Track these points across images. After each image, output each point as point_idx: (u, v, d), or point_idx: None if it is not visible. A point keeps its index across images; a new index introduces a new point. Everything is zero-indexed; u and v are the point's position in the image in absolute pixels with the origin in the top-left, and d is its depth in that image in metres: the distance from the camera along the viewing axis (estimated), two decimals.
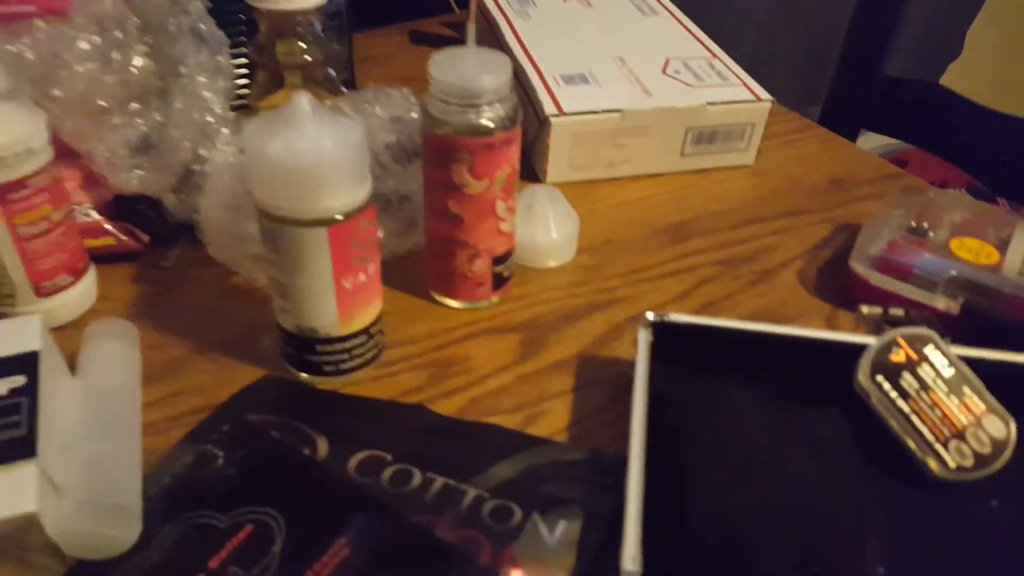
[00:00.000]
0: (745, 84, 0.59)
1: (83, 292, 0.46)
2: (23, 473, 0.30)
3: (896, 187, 0.60)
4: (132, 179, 0.48)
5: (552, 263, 0.51)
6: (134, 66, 0.48)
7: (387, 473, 0.34)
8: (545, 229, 0.50)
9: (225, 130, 0.46)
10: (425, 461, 0.35)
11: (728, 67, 0.62)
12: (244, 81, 0.54)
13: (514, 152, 0.42)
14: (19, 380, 0.33)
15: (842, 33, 0.98)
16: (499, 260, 0.45)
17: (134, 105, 0.48)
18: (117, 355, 0.41)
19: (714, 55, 0.63)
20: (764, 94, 0.58)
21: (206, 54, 0.48)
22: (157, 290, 0.48)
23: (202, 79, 0.47)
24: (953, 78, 1.31)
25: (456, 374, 0.42)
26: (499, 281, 0.46)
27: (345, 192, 0.36)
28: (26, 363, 0.34)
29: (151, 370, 0.42)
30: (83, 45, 0.47)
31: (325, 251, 0.36)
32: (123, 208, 0.49)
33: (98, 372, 0.39)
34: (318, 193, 0.35)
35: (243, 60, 0.53)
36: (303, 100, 0.35)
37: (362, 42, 0.63)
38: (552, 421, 0.39)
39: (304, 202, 0.35)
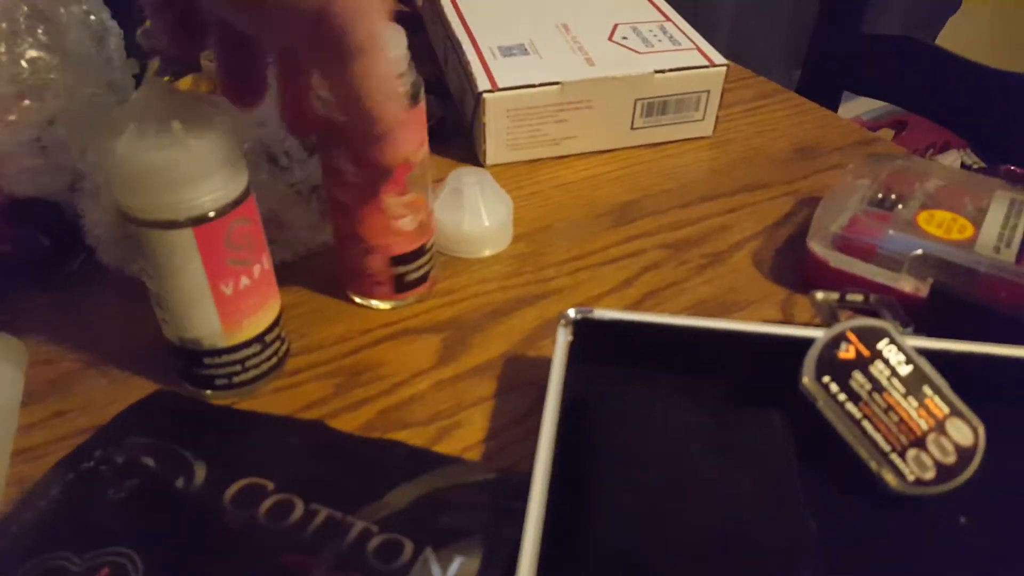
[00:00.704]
0: (699, 48, 0.54)
1: None
2: None
3: (862, 154, 0.55)
4: (26, 182, 0.44)
5: (486, 252, 0.46)
6: (24, 60, 0.44)
7: (266, 504, 0.31)
8: (474, 216, 0.45)
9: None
10: (312, 489, 0.31)
11: (682, 30, 0.57)
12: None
13: (410, 138, 0.37)
14: None
15: None
16: (400, 260, 0.41)
17: (28, 102, 0.44)
18: None
19: (667, 17, 0.58)
20: (719, 58, 0.53)
21: (94, 46, 0.44)
22: (57, 298, 0.44)
23: (90, 73, 0.43)
24: (952, 35, 1.24)
25: (366, 382, 0.38)
26: (402, 284, 0.42)
27: (209, 187, 0.32)
28: None
29: (37, 387, 0.38)
30: None
31: (194, 254, 0.32)
32: (21, 212, 0.45)
33: None
34: (175, 190, 0.31)
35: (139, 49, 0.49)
36: (157, 84, 0.31)
37: None
38: (466, 434, 0.35)
39: (162, 201, 0.31)
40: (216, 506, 0.31)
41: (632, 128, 0.54)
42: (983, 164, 1.38)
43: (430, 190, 0.41)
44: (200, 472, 0.32)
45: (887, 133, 1.48)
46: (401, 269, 0.41)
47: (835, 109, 0.84)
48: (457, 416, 0.37)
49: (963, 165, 1.44)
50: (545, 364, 0.39)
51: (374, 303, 0.43)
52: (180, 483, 0.32)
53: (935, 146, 1.52)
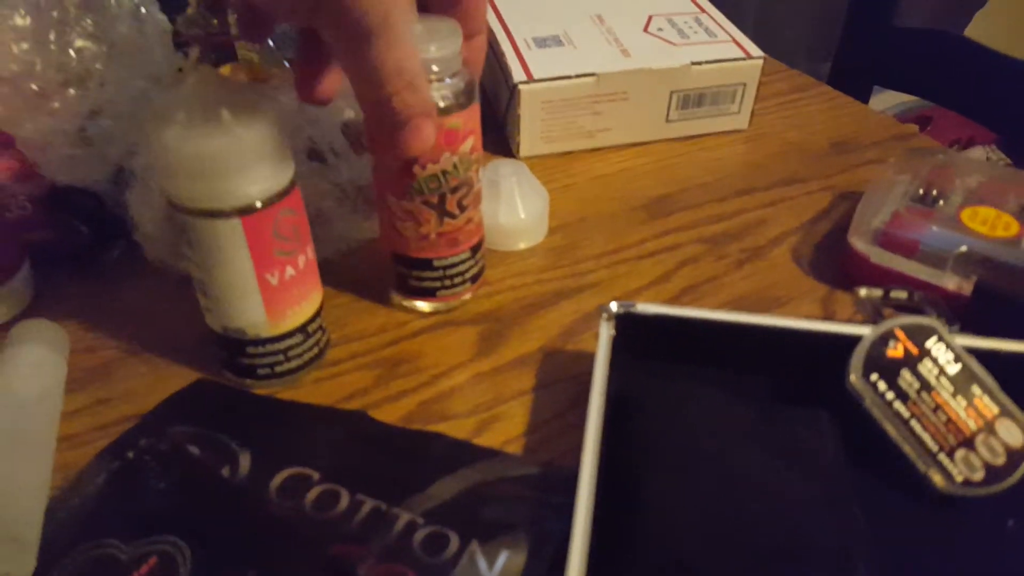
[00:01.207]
0: (735, 40, 0.54)
1: (16, 290, 0.42)
2: None
3: (904, 149, 0.54)
4: (68, 170, 0.44)
5: (521, 245, 0.46)
6: (73, 48, 0.44)
7: (312, 495, 0.31)
8: (511, 208, 0.45)
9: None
10: (356, 480, 0.31)
11: (717, 22, 0.56)
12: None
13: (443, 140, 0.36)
14: None
15: None
16: (404, 262, 0.40)
17: (72, 91, 0.45)
18: (39, 362, 0.37)
19: (702, 9, 0.58)
20: (755, 50, 0.53)
21: (144, 39, 0.44)
22: (95, 288, 0.44)
23: (138, 66, 0.43)
24: (981, 27, 1.23)
25: (406, 374, 0.38)
26: (406, 286, 0.41)
27: (257, 177, 0.32)
28: None
29: (79, 375, 0.39)
30: (16, 23, 0.43)
31: (242, 244, 0.33)
32: (63, 200, 0.46)
33: (15, 381, 0.36)
34: (225, 181, 0.31)
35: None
36: (209, 74, 0.31)
37: None
38: (507, 427, 0.35)
39: (211, 190, 0.31)
40: (262, 496, 0.31)
41: (667, 120, 0.54)
42: (1009, 161, 1.37)
43: (460, 203, 0.38)
44: (245, 461, 0.33)
45: (912, 128, 1.47)
46: (402, 270, 0.40)
47: (865, 103, 0.83)
48: (497, 409, 0.37)
49: (987, 159, 1.42)
50: (584, 358, 0.39)
51: (393, 297, 0.43)
52: (226, 472, 0.32)
53: (960, 142, 1.50)
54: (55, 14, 0.44)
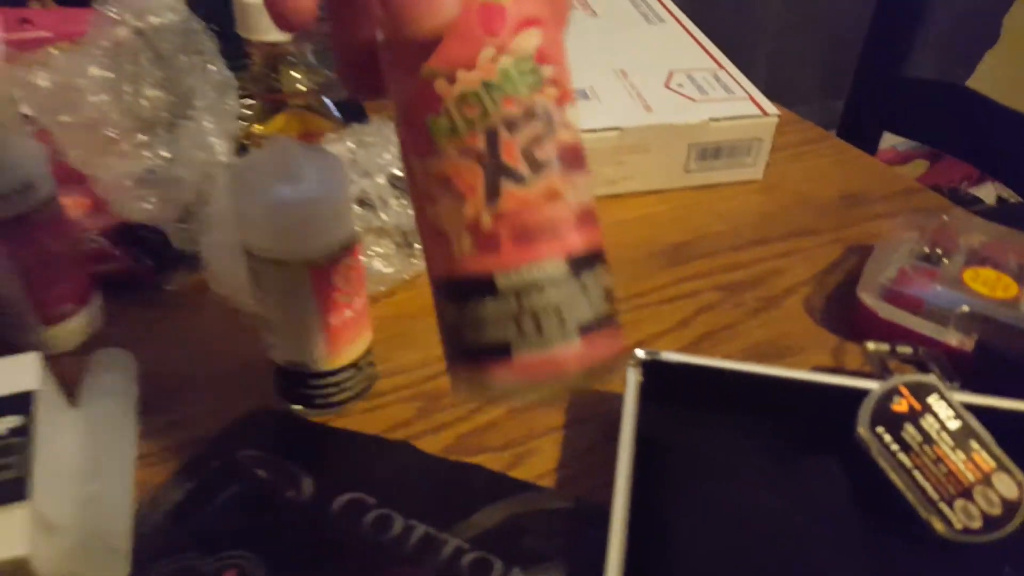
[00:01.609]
0: (752, 97, 0.57)
1: (87, 319, 0.46)
2: (16, 516, 0.31)
3: (911, 204, 0.57)
4: (137, 210, 0.48)
5: None
6: (144, 98, 0.49)
7: (370, 518, 0.34)
8: None
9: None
10: (408, 506, 0.35)
11: (735, 78, 0.60)
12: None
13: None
14: (15, 420, 0.34)
15: (864, 21, 0.95)
16: (447, 292, 0.23)
17: (142, 137, 0.49)
18: (115, 387, 0.41)
19: (720, 65, 0.62)
20: (771, 108, 0.56)
21: (215, 95, 0.48)
22: (159, 316, 0.48)
23: (208, 122, 0.47)
24: (988, 69, 1.26)
25: (445, 407, 0.42)
26: (459, 341, 0.23)
27: (326, 234, 0.35)
28: (22, 403, 0.35)
29: (149, 399, 0.42)
30: (95, 74, 0.47)
31: (308, 290, 0.36)
32: (129, 235, 0.50)
33: (96, 405, 0.40)
34: (299, 237, 0.35)
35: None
36: (287, 143, 0.35)
37: None
38: (539, 462, 0.39)
39: (286, 244, 0.35)
40: (325, 517, 0.35)
41: (686, 171, 0.57)
42: (1020, 198, 1.40)
43: (531, 151, 0.22)
44: (307, 485, 0.36)
45: (922, 164, 1.51)
46: (447, 309, 0.24)
47: (876, 148, 0.87)
48: (529, 444, 0.40)
49: (999, 198, 1.46)
50: (609, 398, 0.42)
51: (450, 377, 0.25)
52: (291, 494, 0.36)
53: (970, 178, 1.54)
54: (130, 67, 0.48)
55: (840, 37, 1.17)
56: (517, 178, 0.22)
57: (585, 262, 0.23)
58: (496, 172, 0.22)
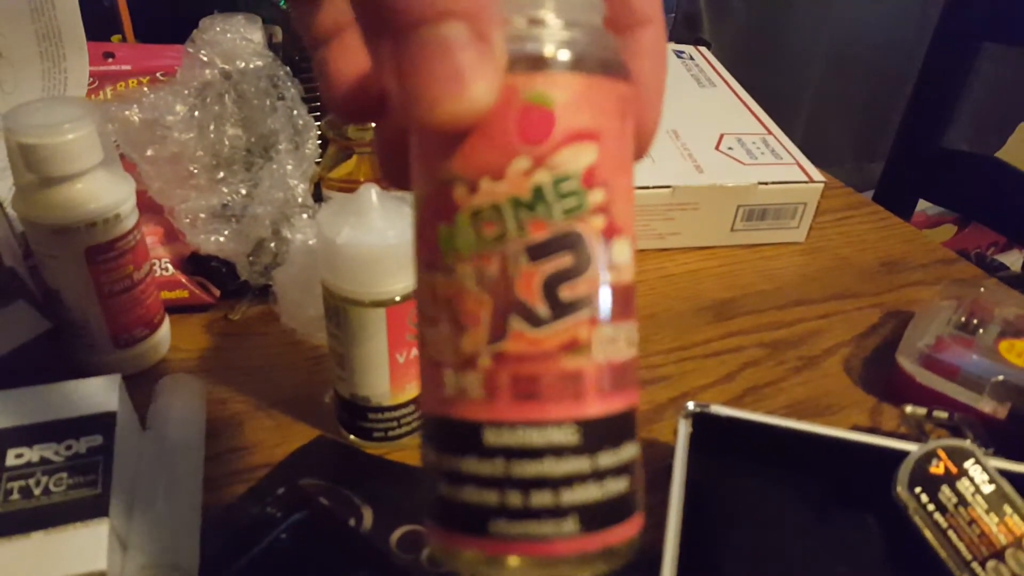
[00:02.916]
0: (799, 163, 0.60)
1: (157, 343, 0.49)
2: (96, 531, 0.33)
3: (949, 274, 0.59)
4: (210, 242, 0.51)
5: None
6: (226, 137, 0.52)
7: (427, 551, 0.36)
8: None
9: (304, 215, 0.48)
10: None
11: (782, 144, 0.62)
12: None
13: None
14: (97, 439, 0.36)
15: (902, 94, 0.98)
16: (435, 435, 0.19)
17: (220, 173, 0.52)
18: (185, 411, 0.43)
19: (768, 131, 0.64)
20: (817, 175, 0.59)
21: (295, 139, 0.51)
22: (224, 344, 0.51)
23: (289, 165, 0.50)
24: (1013, 150, 1.28)
25: None
26: (443, 504, 0.19)
27: (403, 277, 0.38)
28: (104, 423, 0.37)
29: (214, 424, 0.44)
30: (182, 112, 0.51)
31: (382, 329, 0.39)
32: (199, 265, 0.53)
33: (166, 428, 0.42)
34: (379, 279, 0.37)
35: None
36: (370, 191, 0.38)
37: None
38: None
39: (366, 286, 0.38)
40: (385, 548, 0.36)
41: (732, 230, 0.60)
42: None
43: (553, 288, 0.18)
44: (367, 515, 0.38)
45: (951, 229, 1.52)
46: (432, 458, 0.19)
47: (911, 213, 0.89)
48: None
49: None
50: (656, 446, 0.44)
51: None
52: (352, 522, 0.37)
53: (997, 244, 1.55)
54: (215, 107, 0.52)
55: (877, 103, 1.20)
56: (531, 318, 0.18)
57: (604, 433, 0.18)
58: (506, 307, 0.18)
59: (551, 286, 0.18)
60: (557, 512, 0.18)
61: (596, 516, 0.18)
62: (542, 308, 0.18)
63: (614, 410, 0.18)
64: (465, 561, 0.18)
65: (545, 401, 0.18)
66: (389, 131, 0.22)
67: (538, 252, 0.18)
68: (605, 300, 0.18)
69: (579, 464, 0.18)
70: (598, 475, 0.18)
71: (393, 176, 0.22)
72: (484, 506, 0.18)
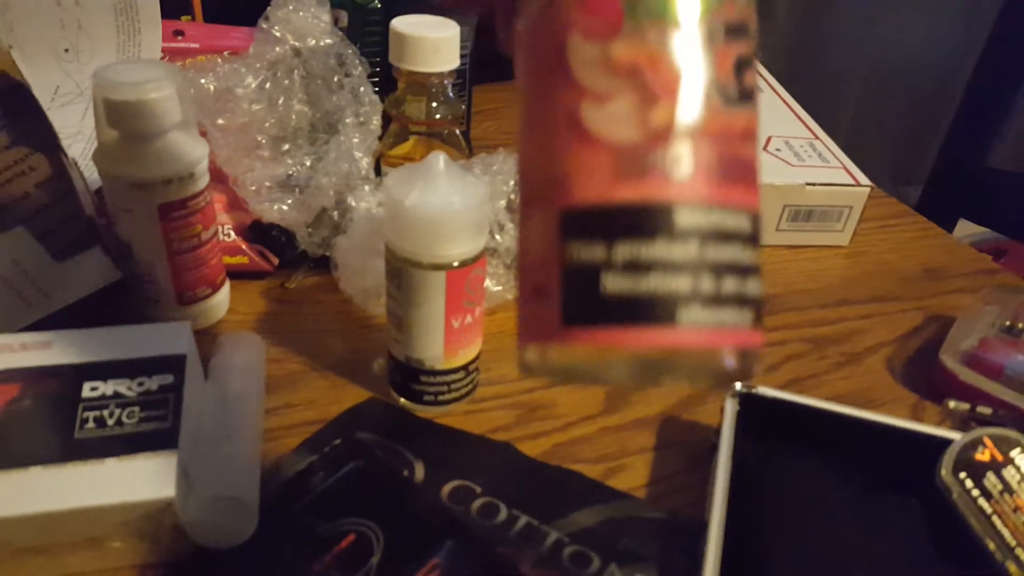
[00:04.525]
0: (845, 168, 0.61)
1: (218, 304, 0.51)
2: (166, 462, 0.34)
3: (991, 283, 0.60)
4: (273, 210, 0.53)
5: None
6: (292, 112, 0.54)
7: (476, 504, 0.37)
8: None
9: (366, 187, 0.50)
10: (511, 497, 0.38)
11: (829, 149, 0.63)
12: None
13: None
14: (168, 378, 0.38)
15: (943, 116, 0.98)
16: (573, 222, 0.18)
17: (285, 146, 0.54)
18: (246, 365, 0.45)
19: (815, 136, 0.65)
20: (864, 179, 0.60)
21: (361, 114, 0.53)
22: (280, 308, 0.52)
23: (356, 138, 0.52)
24: None
25: (542, 418, 0.45)
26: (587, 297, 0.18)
27: (465, 242, 0.39)
28: (175, 364, 0.39)
29: (271, 381, 0.46)
30: (253, 85, 0.53)
31: (441, 293, 0.40)
32: (259, 233, 0.55)
33: (228, 379, 0.44)
34: (442, 242, 0.39)
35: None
36: (439, 158, 0.39)
37: (477, 95, 0.68)
38: (631, 477, 0.41)
39: (429, 248, 0.39)
40: (436, 498, 0.37)
41: (777, 229, 0.60)
42: None
43: None
44: (419, 469, 0.39)
45: (996, 265, 1.51)
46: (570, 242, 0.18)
47: (950, 232, 0.89)
48: (622, 460, 0.43)
49: None
50: (699, 428, 0.45)
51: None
52: (405, 473, 0.39)
53: None
54: (286, 83, 0.54)
55: (916, 125, 1.20)
56: (726, 97, 0.17)
57: (759, 228, 0.19)
58: (704, 81, 0.17)
59: (740, 68, 0.18)
60: (742, 300, 0.17)
61: (760, 312, 0.18)
62: (733, 89, 0.18)
63: (760, 208, 0.19)
64: (634, 359, 0.17)
65: (734, 184, 0.17)
66: None
67: (732, 32, 0.18)
68: (756, 99, 0.18)
69: (753, 255, 0.18)
70: (759, 270, 0.18)
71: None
72: (675, 296, 0.17)
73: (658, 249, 0.17)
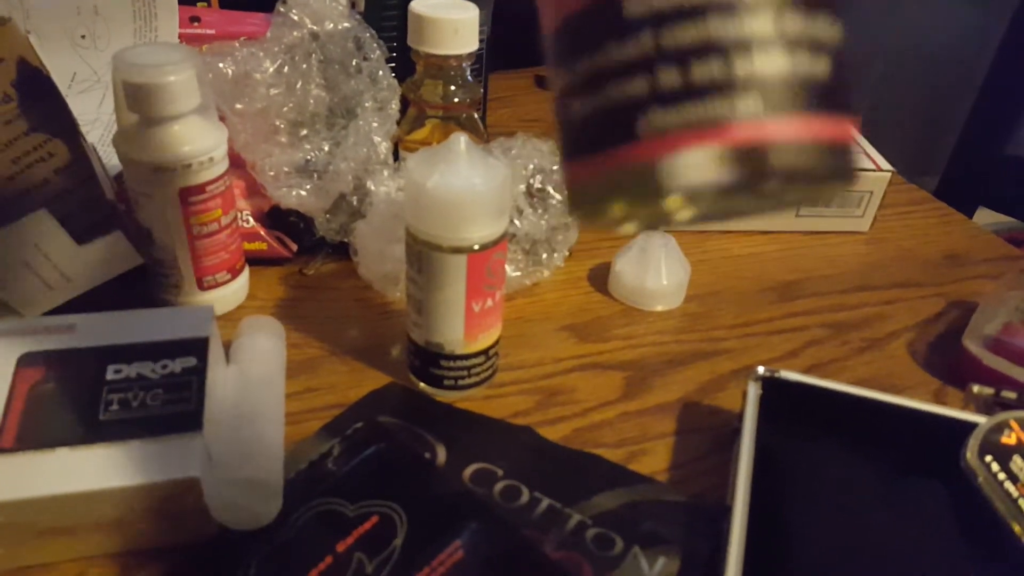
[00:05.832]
0: (867, 153, 0.60)
1: (238, 289, 0.51)
2: (190, 443, 0.35)
3: (1013, 268, 0.59)
4: (291, 196, 0.53)
5: (659, 307, 0.53)
6: (311, 96, 0.54)
7: (498, 487, 0.37)
8: (656, 274, 0.52)
9: (385, 172, 0.50)
10: (533, 480, 0.38)
11: None
12: None
13: None
14: (191, 361, 0.38)
15: (961, 107, 0.97)
16: None
17: (303, 131, 0.54)
18: (267, 349, 0.45)
19: None
20: (885, 164, 0.59)
21: (380, 99, 0.53)
22: (299, 294, 0.52)
23: (375, 123, 0.52)
24: None
25: (561, 403, 0.45)
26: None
27: (486, 226, 0.39)
28: (198, 347, 0.39)
29: (291, 366, 0.46)
30: (271, 69, 0.53)
31: (462, 276, 0.40)
32: (278, 219, 0.55)
33: (250, 362, 0.44)
34: (463, 224, 0.39)
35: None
36: (461, 140, 0.39)
37: (492, 83, 0.67)
38: (653, 461, 0.41)
39: (451, 231, 0.39)
40: (458, 480, 0.37)
41: (797, 215, 0.60)
42: None
43: None
44: (441, 452, 0.39)
45: (1018, 251, 1.50)
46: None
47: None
48: (643, 444, 0.42)
49: None
50: (720, 413, 0.45)
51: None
52: (427, 456, 0.39)
53: None
54: (304, 67, 0.54)
55: (932, 116, 1.19)
56: None
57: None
58: None
59: None
60: (821, 85, 0.16)
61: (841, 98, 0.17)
62: None
63: None
64: (689, 160, 0.16)
65: None
66: None
67: None
68: None
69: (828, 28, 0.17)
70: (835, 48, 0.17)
71: None
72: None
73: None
